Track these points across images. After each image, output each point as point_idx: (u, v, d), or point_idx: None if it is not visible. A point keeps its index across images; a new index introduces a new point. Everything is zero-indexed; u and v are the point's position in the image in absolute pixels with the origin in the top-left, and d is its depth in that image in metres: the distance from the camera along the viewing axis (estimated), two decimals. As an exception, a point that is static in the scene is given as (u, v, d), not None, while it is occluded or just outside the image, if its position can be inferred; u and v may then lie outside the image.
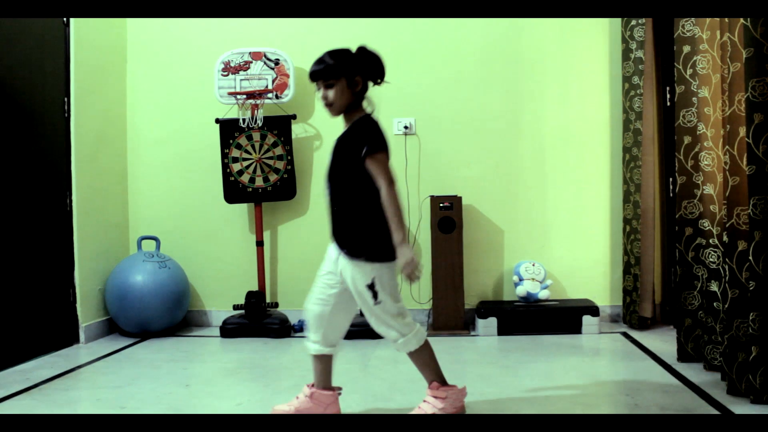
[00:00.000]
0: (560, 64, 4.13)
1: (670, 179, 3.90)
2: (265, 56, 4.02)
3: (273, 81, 4.01)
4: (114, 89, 4.26)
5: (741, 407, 2.42)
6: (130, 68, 4.38)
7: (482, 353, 3.48)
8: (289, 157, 4.08)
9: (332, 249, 2.37)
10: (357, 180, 2.26)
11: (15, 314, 3.39)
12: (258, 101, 3.98)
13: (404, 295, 4.16)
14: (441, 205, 3.89)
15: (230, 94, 3.99)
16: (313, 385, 2.45)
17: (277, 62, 4.01)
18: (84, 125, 3.88)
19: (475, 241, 4.14)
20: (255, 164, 4.09)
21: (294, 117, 4.11)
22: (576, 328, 3.79)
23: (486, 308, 3.86)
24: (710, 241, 2.92)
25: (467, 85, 4.17)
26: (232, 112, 4.13)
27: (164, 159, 4.35)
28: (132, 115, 4.38)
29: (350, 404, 2.59)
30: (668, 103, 3.87)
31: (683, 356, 3.07)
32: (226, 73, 4.01)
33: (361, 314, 2.39)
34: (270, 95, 3.99)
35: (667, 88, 3.87)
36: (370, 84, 2.32)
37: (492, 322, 3.82)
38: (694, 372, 2.91)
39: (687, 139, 3.01)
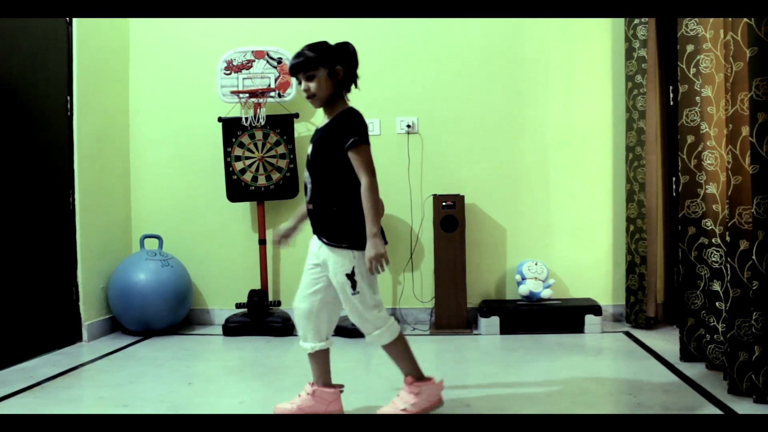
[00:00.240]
0: (563, 63, 4.13)
1: (673, 178, 3.90)
2: (267, 55, 4.02)
3: (275, 80, 4.01)
4: (116, 88, 4.27)
5: (743, 406, 2.41)
6: (133, 67, 4.38)
7: (485, 352, 3.48)
8: (291, 156, 4.08)
9: (314, 241, 2.40)
10: (340, 170, 2.30)
11: (18, 313, 3.40)
12: (260, 100, 3.98)
13: (407, 293, 4.18)
14: (443, 203, 3.89)
15: (233, 92, 3.99)
16: (314, 383, 2.46)
17: (279, 61, 4.01)
18: (87, 124, 3.89)
19: (477, 239, 4.14)
20: (257, 163, 4.09)
21: (296, 116, 4.11)
22: (578, 328, 3.79)
23: (488, 307, 3.86)
24: (713, 240, 2.92)
25: (470, 84, 4.17)
26: (234, 110, 4.13)
27: (167, 158, 4.35)
28: (134, 114, 4.39)
29: (353, 403, 2.60)
30: (671, 102, 3.86)
31: (686, 356, 3.06)
32: (228, 72, 4.01)
33: None
34: (272, 94, 4.00)
35: (670, 87, 3.87)
36: (353, 88, 2.39)
37: (494, 321, 3.82)
38: (697, 371, 2.91)
39: (690, 139, 3.01)
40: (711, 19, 2.90)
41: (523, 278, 3.97)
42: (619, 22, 4.04)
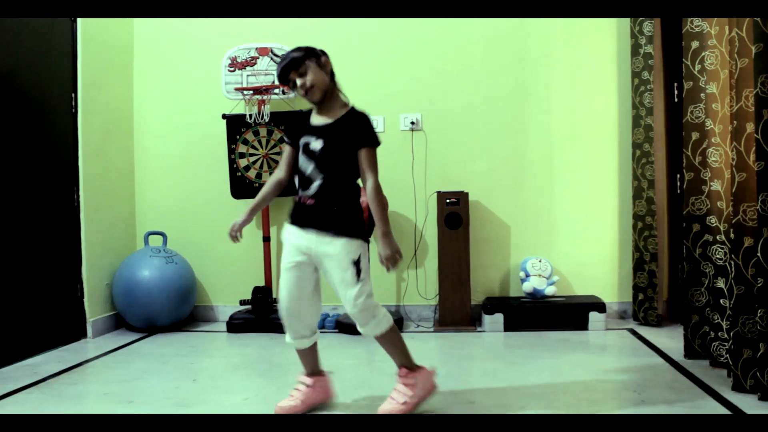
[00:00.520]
0: (567, 59, 4.12)
1: (678, 175, 3.88)
2: (271, 52, 4.02)
3: (279, 77, 4.00)
4: (121, 85, 4.28)
5: (746, 403, 2.41)
6: (137, 64, 4.39)
7: (488, 349, 3.48)
8: (295, 153, 4.08)
9: (299, 237, 2.38)
10: (349, 167, 2.36)
11: (23, 309, 3.42)
12: (265, 97, 3.98)
13: (411, 290, 4.19)
14: (448, 200, 3.89)
15: (237, 89, 3.99)
16: (309, 375, 2.52)
17: (283, 58, 4.01)
18: (91, 121, 3.90)
19: (481, 237, 4.14)
20: (262, 160, 4.09)
21: (301, 113, 4.10)
22: (582, 325, 3.79)
23: (492, 304, 3.86)
24: (717, 237, 2.91)
25: (474, 81, 4.16)
26: (238, 107, 4.13)
27: (171, 154, 4.36)
28: (139, 111, 4.39)
29: (357, 400, 2.60)
30: (676, 99, 3.85)
31: (690, 353, 3.06)
32: (232, 69, 4.01)
33: None
34: (277, 91, 3.99)
35: (675, 84, 3.85)
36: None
37: (498, 318, 3.82)
38: (701, 368, 2.90)
39: (695, 135, 3.00)
40: (716, 16, 2.89)
41: (527, 275, 3.96)
42: (625, 19, 4.02)
